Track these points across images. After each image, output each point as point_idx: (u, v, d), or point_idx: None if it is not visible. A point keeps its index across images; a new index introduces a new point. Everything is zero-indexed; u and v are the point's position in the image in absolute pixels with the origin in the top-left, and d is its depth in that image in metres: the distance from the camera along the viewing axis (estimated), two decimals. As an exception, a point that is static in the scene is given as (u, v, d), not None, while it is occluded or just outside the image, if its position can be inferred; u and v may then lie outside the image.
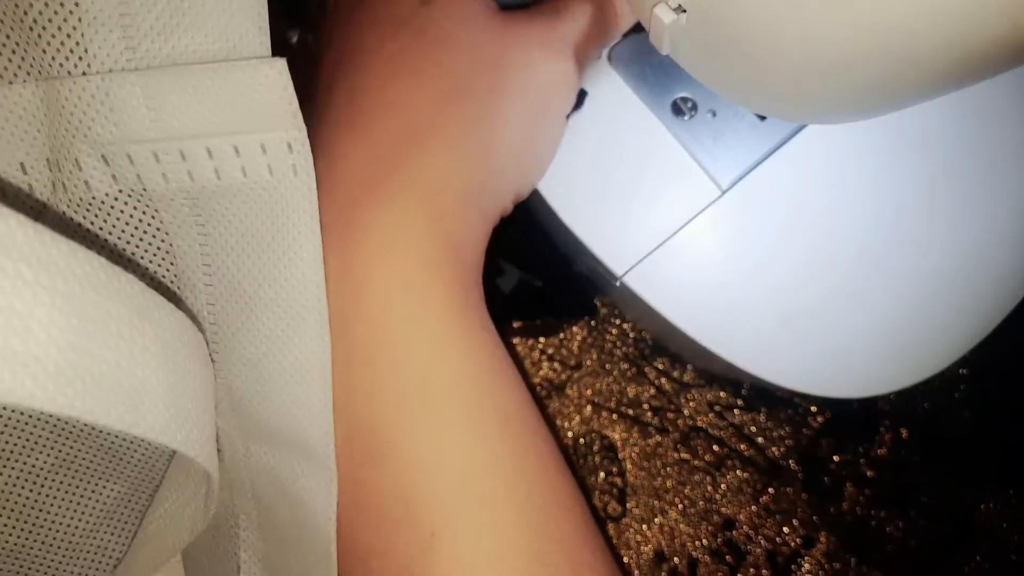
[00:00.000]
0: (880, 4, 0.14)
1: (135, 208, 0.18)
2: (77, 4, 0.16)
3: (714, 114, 0.27)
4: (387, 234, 0.19)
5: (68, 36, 0.16)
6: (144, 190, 0.17)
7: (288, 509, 0.20)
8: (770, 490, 0.34)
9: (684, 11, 0.16)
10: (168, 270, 0.19)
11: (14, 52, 0.17)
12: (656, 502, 0.34)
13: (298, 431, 0.18)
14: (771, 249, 0.25)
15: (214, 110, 0.16)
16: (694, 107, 0.27)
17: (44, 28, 0.16)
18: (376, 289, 0.19)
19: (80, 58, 0.16)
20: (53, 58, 0.16)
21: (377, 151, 0.20)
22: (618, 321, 0.36)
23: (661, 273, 0.26)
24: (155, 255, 0.18)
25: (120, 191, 0.17)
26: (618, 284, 0.26)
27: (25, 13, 0.16)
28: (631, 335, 0.36)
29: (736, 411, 0.35)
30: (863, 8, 0.14)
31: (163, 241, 0.18)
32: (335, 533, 0.19)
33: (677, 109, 0.27)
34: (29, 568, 0.21)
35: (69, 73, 0.16)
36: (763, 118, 0.26)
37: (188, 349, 0.15)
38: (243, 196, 0.17)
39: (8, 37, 0.17)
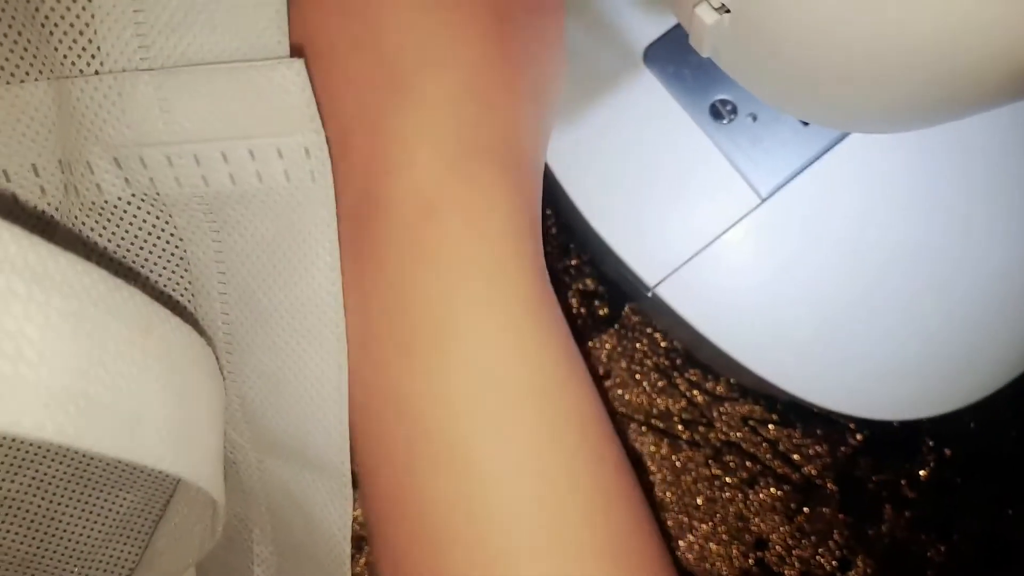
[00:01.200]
0: (921, 13, 0.13)
1: (148, 213, 0.17)
2: (90, 1, 0.16)
3: (755, 118, 0.25)
4: (469, 211, 0.18)
5: (80, 33, 0.16)
6: (157, 194, 0.17)
7: (302, 524, 0.19)
8: (805, 509, 0.33)
9: (728, 11, 0.15)
10: (183, 277, 0.18)
11: (26, 50, 0.16)
12: (686, 519, 0.33)
13: (312, 447, 0.18)
14: (811, 262, 0.24)
15: (229, 112, 0.15)
16: (734, 110, 0.25)
17: (56, 25, 0.15)
18: (453, 273, 0.17)
19: (93, 56, 0.16)
20: (65, 56, 0.16)
21: (445, 110, 0.18)
22: (649, 330, 0.35)
23: (695, 284, 0.24)
24: (168, 261, 0.18)
25: (133, 195, 0.17)
26: (650, 295, 0.25)
27: (37, 10, 0.15)
28: (662, 344, 0.34)
29: (771, 426, 0.34)
30: (905, 17, 0.13)
31: (177, 247, 0.18)
32: (349, 550, 0.18)
33: (716, 112, 0.25)
34: (40, 578, 0.20)
35: (81, 72, 0.16)
36: (806, 123, 0.25)
37: (195, 366, 0.14)
38: (259, 203, 0.16)
39: (20, 34, 0.16)
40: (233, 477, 0.20)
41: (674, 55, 0.26)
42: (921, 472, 0.33)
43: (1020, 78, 0.14)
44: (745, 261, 0.24)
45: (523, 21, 0.20)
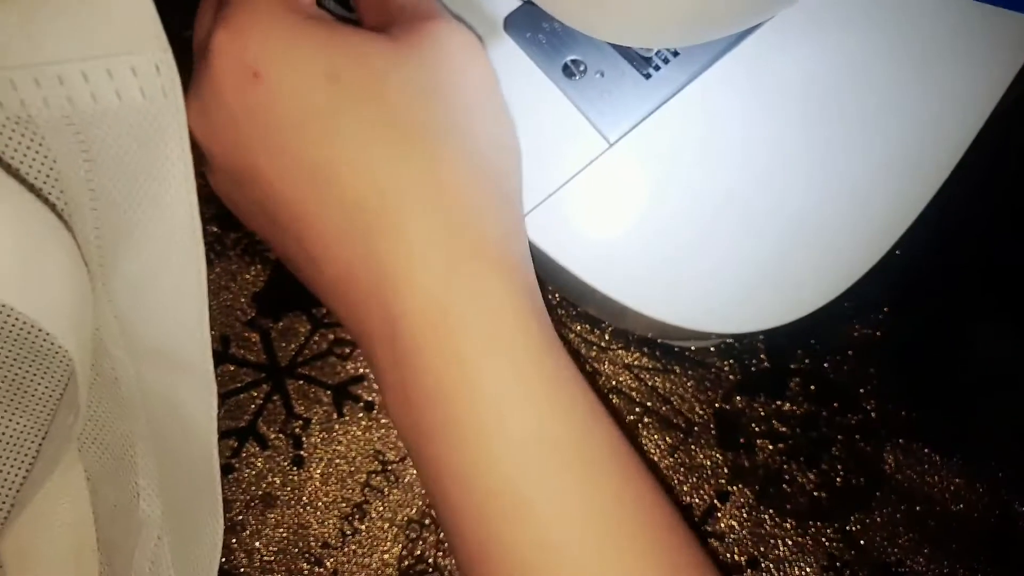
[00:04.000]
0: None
1: (23, 135, 0.19)
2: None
3: (602, 74, 0.28)
4: (479, 314, 0.20)
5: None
6: (29, 117, 0.18)
7: (176, 427, 0.20)
8: (685, 447, 0.35)
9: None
10: (59, 198, 0.20)
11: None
12: (576, 460, 0.35)
13: (178, 348, 0.19)
14: (654, 196, 0.27)
15: (86, 35, 0.17)
16: (584, 69, 0.28)
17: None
18: (480, 373, 0.20)
19: (-35, -8, 0.18)
20: (-60, -7, 0.18)
21: (426, 234, 0.21)
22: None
23: (554, 220, 0.27)
24: (45, 182, 0.19)
25: (7, 118, 0.18)
26: (515, 234, 0.28)
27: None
28: (552, 302, 0.37)
29: (652, 372, 0.36)
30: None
31: (52, 169, 0.19)
32: (215, 440, 0.20)
33: (568, 71, 0.28)
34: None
35: (-47, 4, 0.18)
36: (647, 77, 0.28)
37: (47, 233, 0.16)
38: (120, 120, 0.18)
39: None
40: (116, 394, 0.22)
41: (530, 22, 0.29)
42: (789, 408, 0.36)
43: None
44: (597, 197, 0.27)
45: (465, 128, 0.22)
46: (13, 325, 0.22)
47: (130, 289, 0.19)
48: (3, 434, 0.23)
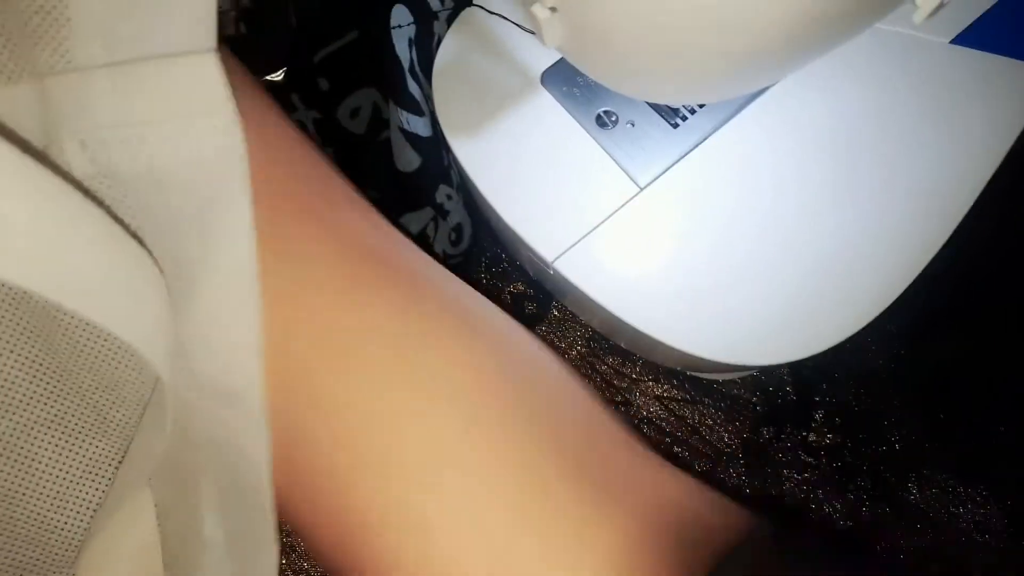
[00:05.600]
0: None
1: (109, 188, 0.20)
2: (69, 19, 0.19)
3: (633, 124, 0.29)
4: None
5: (59, 44, 0.19)
6: (116, 172, 0.20)
7: (232, 458, 0.21)
8: (715, 476, 0.35)
9: (555, 9, 0.18)
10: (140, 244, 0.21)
11: (19, 55, 0.19)
12: (609, 487, 0.35)
13: (231, 381, 0.20)
14: (682, 237, 0.27)
15: (166, 99, 0.18)
16: (616, 119, 0.29)
17: (40, 37, 0.19)
18: None
19: (69, 62, 0.19)
20: (46, 60, 0.19)
21: None
22: (573, 324, 0.37)
23: (587, 259, 0.27)
24: (127, 229, 0.21)
25: (97, 172, 0.20)
26: (552, 272, 0.28)
27: (26, 24, 0.19)
28: (585, 335, 0.37)
29: (682, 403, 0.36)
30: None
31: (133, 219, 0.20)
32: (269, 472, 0.20)
33: (601, 121, 0.29)
34: (19, 513, 0.22)
35: (55, 71, 0.19)
36: (675, 126, 0.29)
37: (146, 276, 0.17)
38: (196, 173, 0.19)
39: (17, 44, 0.19)
40: (185, 427, 0.23)
41: (566, 77, 0.29)
42: (815, 438, 0.35)
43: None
44: (628, 238, 0.27)
45: None
46: (91, 352, 0.23)
47: (194, 325, 0.20)
48: (85, 456, 0.24)
